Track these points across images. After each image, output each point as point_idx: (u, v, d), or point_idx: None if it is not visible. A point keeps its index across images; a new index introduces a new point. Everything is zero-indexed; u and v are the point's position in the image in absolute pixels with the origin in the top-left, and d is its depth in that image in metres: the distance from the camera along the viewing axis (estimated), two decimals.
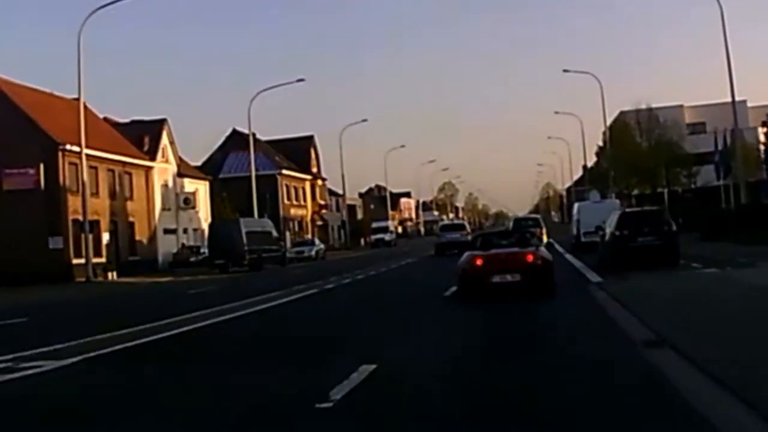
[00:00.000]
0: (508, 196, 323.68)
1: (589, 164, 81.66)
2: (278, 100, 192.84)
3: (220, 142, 74.22)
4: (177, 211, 50.76)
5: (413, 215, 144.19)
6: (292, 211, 71.24)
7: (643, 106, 58.09)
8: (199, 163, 73.09)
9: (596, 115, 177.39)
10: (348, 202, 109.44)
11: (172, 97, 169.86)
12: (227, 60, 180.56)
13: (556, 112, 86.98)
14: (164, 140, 49.99)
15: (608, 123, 60.97)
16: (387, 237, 76.35)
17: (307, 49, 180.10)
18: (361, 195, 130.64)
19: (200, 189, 54.83)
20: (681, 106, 68.93)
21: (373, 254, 54.47)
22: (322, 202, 78.53)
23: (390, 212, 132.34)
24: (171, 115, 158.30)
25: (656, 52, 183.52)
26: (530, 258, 14.45)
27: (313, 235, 76.27)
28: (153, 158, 48.39)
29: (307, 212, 75.74)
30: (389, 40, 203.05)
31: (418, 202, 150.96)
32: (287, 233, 67.23)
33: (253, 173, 56.69)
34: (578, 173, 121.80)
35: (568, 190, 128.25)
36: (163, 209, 49.43)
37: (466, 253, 15.47)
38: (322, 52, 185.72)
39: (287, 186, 70.75)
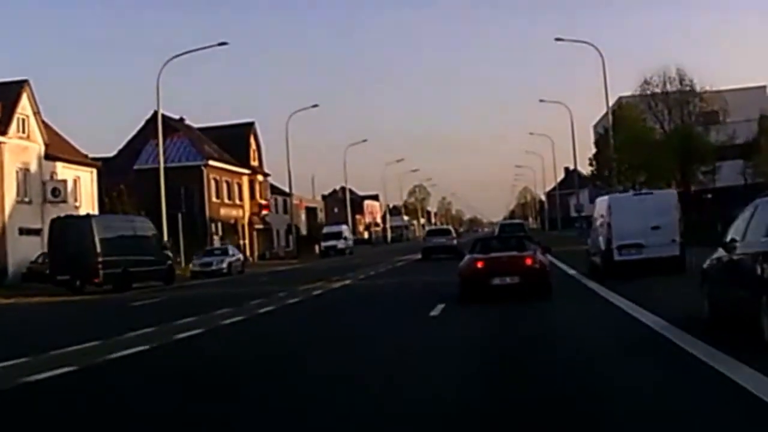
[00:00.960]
0: (483, 202, 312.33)
1: (579, 160, 69.67)
2: (219, 85, 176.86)
3: (139, 127, 61.25)
4: (42, 206, 37.67)
5: (379, 220, 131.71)
6: (223, 211, 58.34)
7: (673, 73, 44.41)
8: (114, 153, 60.62)
9: (586, 107, 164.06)
10: (308, 204, 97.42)
11: (87, 71, 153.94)
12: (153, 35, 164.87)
13: (541, 101, 73.90)
14: (24, 109, 36.86)
15: (610, 107, 48.40)
16: (340, 244, 63.53)
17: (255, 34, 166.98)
18: (324, 197, 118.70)
19: (83, 178, 41.76)
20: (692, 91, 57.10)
21: (313, 267, 42.05)
22: (263, 202, 65.55)
23: (356, 216, 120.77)
24: (87, 94, 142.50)
25: (659, 33, 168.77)
26: (529, 261, 14.74)
27: (251, 241, 63.56)
28: (4, 132, 35.35)
29: (243, 213, 62.87)
30: (341, 19, 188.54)
31: (388, 206, 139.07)
32: (215, 238, 54.57)
33: (161, 162, 44.53)
34: (561, 176, 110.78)
35: (548, 194, 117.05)
36: (20, 202, 36.39)
37: (467, 257, 15.86)
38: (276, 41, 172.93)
39: (216, 181, 57.83)
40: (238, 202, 61.96)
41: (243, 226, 62.58)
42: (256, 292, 21.87)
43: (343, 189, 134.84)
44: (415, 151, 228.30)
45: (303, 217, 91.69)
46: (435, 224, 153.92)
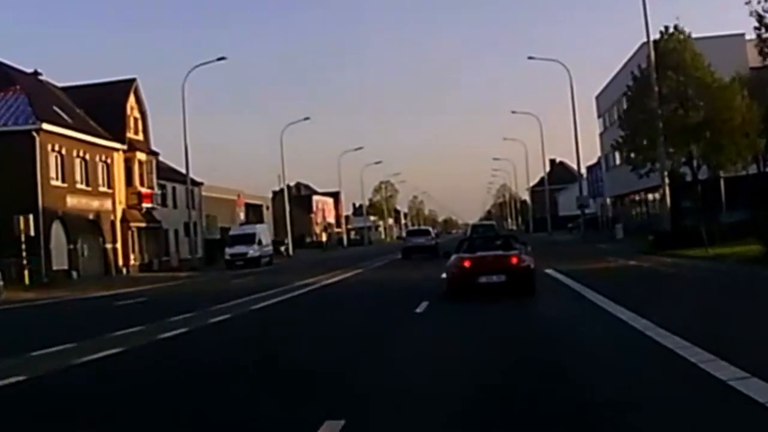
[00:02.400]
0: (458, 202, 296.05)
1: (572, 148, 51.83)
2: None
3: None
4: None
5: (332, 219, 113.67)
6: (72, 200, 39.75)
7: None
8: None
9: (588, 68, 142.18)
10: (249, 200, 78.75)
11: None
12: None
13: (530, 58, 55.81)
14: None
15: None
16: (252, 252, 45.25)
17: None
18: (275, 194, 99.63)
19: None
20: (742, 35, 39.88)
21: (169, 293, 24.17)
22: (145, 190, 46.88)
23: (309, 215, 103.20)
24: None
25: None
26: (514, 260, 15.16)
27: (125, 244, 45.10)
28: None
29: (114, 205, 44.40)
30: None
31: (354, 204, 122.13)
32: (45, 238, 36.12)
33: None
34: (547, 172, 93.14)
35: (533, 190, 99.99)
36: None
37: (454, 256, 16.16)
38: None
39: (61, 155, 39.23)
40: (103, 188, 43.41)
41: (113, 223, 44.13)
42: None
43: (299, 185, 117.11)
44: (380, 144, 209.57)
45: (242, 215, 73.33)
46: (406, 225, 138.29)
